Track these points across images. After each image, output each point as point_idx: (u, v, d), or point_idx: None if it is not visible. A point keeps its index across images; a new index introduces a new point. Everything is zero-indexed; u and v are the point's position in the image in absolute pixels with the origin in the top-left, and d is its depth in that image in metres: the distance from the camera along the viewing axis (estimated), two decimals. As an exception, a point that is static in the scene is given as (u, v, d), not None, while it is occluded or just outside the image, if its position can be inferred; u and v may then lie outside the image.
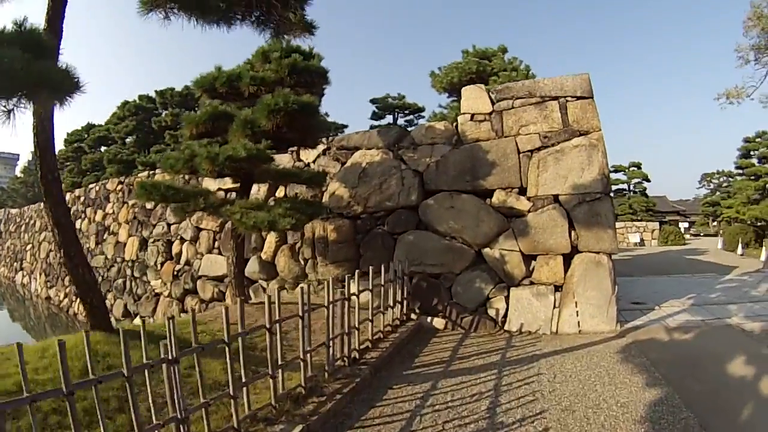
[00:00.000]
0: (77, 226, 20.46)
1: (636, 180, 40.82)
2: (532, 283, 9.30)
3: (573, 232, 9.11)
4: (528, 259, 9.39)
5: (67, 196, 22.58)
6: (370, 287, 8.62)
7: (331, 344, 6.72)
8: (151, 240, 14.53)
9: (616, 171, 42.08)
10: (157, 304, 13.86)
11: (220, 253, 12.54)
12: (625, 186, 42.41)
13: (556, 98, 9.59)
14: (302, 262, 11.01)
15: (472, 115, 10.07)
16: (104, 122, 29.24)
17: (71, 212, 21.96)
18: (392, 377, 7.26)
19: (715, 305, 10.74)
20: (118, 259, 16.18)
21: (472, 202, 9.70)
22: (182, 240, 13.54)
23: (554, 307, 9.06)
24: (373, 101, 21.56)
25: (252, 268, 11.80)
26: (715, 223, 46.11)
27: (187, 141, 11.05)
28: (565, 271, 9.06)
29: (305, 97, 9.07)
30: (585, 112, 9.43)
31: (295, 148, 11.64)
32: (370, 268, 8.73)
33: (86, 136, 28.21)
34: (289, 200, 9.61)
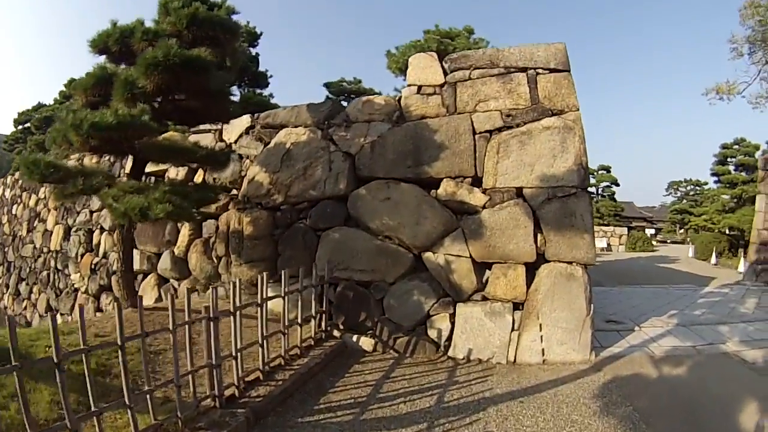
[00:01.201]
0: (13, 211, 17.53)
1: (605, 184, 37.62)
2: (485, 298, 6.58)
3: (540, 236, 6.43)
4: (481, 267, 6.67)
5: (8, 180, 19.57)
6: (283, 294, 5.99)
7: (208, 373, 4.21)
8: (74, 229, 11.70)
9: None
10: (75, 301, 11.09)
11: (136, 246, 9.73)
12: (593, 189, 38.70)
13: (524, 70, 6.91)
14: (215, 260, 8.26)
15: (419, 88, 7.32)
16: (52, 101, 25.41)
17: (10, 197, 19.19)
18: (278, 428, 4.60)
19: (703, 326, 8.16)
20: (45, 249, 13.30)
21: (412, 193, 6.95)
22: (102, 229, 10.75)
23: (512, 329, 6.37)
24: (326, 85, 18.51)
25: (164, 264, 9.01)
26: (682, 231, 43.60)
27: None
28: (528, 285, 6.37)
29: (196, 51, 6.33)
30: (559, 88, 6.77)
31: (217, 126, 8.89)
32: (284, 272, 6.05)
33: (34, 116, 24.71)
34: (171, 183, 6.92)
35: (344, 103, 7.82)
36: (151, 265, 9.26)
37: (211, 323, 4.72)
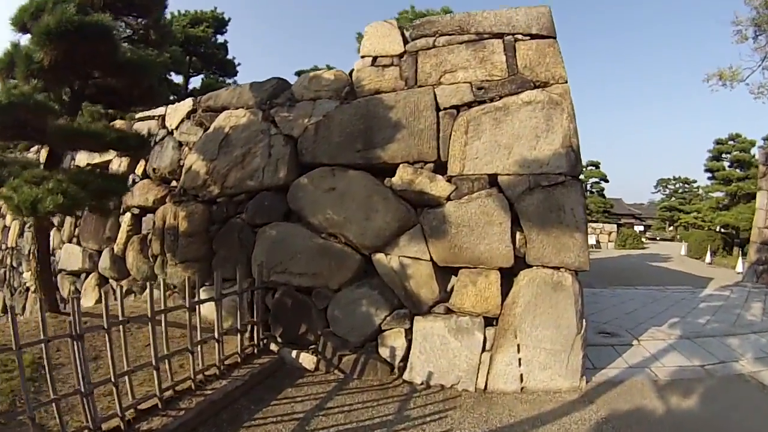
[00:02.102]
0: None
1: (594, 180, 34.66)
2: (449, 311, 4.92)
3: (519, 235, 4.75)
4: (444, 273, 5.02)
5: None
6: (216, 300, 4.56)
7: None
8: (28, 225, 10.23)
9: None
10: (26, 301, 9.60)
11: (78, 243, 8.23)
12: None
13: (500, 36, 5.24)
14: (151, 259, 6.72)
15: (375, 59, 5.63)
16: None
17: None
18: None
19: (710, 338, 6.51)
20: (3, 246, 11.82)
21: (362, 182, 5.29)
22: (51, 225, 9.25)
23: (483, 350, 4.71)
24: (298, 74, 16.55)
25: (104, 263, 7.42)
26: (671, 228, 41.00)
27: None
28: (504, 296, 4.71)
29: (97, 16, 4.77)
30: (543, 56, 5.12)
31: (159, 112, 7.32)
32: (217, 273, 4.61)
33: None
34: (70, 172, 5.37)
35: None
36: (93, 263, 7.70)
37: (76, 342, 3.29)
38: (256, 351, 5.35)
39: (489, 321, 4.80)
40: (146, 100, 6.15)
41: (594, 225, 27.27)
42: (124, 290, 6.94)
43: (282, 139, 5.79)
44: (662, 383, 4.86)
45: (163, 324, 4.16)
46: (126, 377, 3.74)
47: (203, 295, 5.01)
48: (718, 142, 23.24)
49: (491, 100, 5.02)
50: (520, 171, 4.77)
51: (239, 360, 5.03)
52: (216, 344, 4.68)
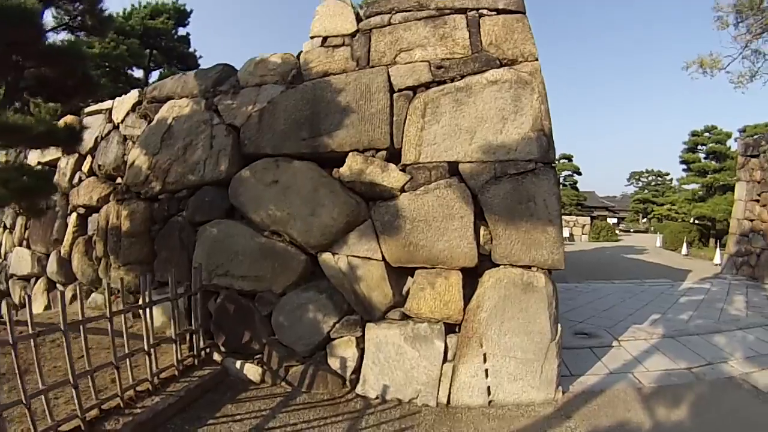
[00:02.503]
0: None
1: (566, 172, 32.52)
2: (405, 317, 4.13)
3: (483, 230, 3.97)
4: (399, 275, 4.24)
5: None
6: (144, 307, 3.83)
7: None
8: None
9: None
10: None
11: (28, 246, 7.38)
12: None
13: (462, 11, 4.42)
14: (95, 262, 5.87)
15: (325, 39, 4.79)
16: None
17: None
18: None
19: (695, 336, 5.80)
20: None
21: (307, 174, 4.47)
22: (4, 227, 8.37)
23: (445, 360, 3.94)
24: None
25: (51, 266, 6.55)
26: (645, 220, 39.85)
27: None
28: (467, 300, 3.93)
29: None
30: (510, 32, 4.35)
31: (107, 105, 6.47)
32: (147, 277, 3.89)
33: None
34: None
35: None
36: (42, 267, 6.85)
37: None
38: (196, 362, 4.53)
39: (451, 328, 4.02)
40: (83, 91, 5.28)
41: (567, 218, 26.19)
42: (69, 295, 6.21)
43: (224, 129, 4.93)
44: (647, 391, 4.13)
45: (82, 335, 3.40)
46: (42, 396, 2.98)
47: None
48: (694, 133, 22.08)
49: (452, 80, 4.23)
50: (484, 158, 4.00)
51: (177, 372, 4.24)
52: (146, 357, 3.89)
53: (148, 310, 3.89)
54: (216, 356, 4.66)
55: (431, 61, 4.30)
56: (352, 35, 4.65)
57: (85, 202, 6.03)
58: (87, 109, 6.67)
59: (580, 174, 32.85)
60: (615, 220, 37.81)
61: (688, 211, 20.54)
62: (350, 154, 4.34)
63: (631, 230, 38.45)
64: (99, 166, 5.99)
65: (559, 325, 3.95)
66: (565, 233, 24.33)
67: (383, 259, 4.15)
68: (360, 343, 4.19)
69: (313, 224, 4.35)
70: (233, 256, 4.61)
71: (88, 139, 6.06)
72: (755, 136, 10.28)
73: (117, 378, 3.56)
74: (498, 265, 3.93)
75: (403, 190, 4.14)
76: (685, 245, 16.76)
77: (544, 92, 4.11)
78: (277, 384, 4.36)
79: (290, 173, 4.50)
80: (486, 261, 3.97)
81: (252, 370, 4.43)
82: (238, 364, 4.49)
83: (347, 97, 4.41)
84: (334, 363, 4.24)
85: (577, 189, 32.83)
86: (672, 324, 6.08)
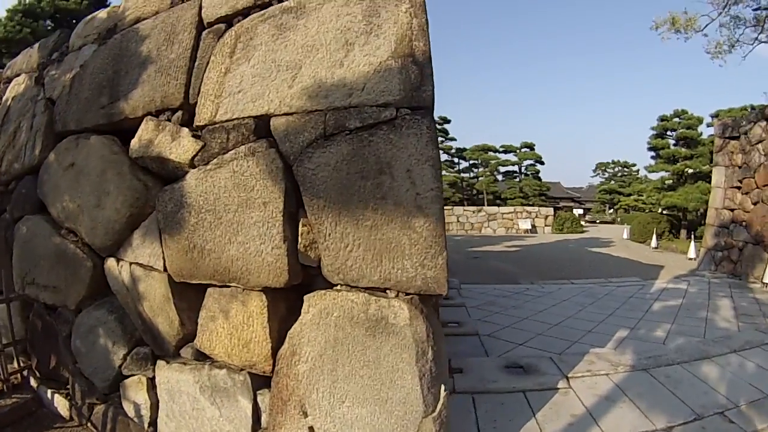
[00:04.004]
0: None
1: (528, 162, 27.09)
2: (201, 356, 2.09)
3: (303, 224, 1.87)
4: (197, 292, 2.13)
5: None
6: None
7: None
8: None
9: (506, 152, 27.10)
10: None
11: None
12: (515, 168, 27.42)
13: None
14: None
15: None
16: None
17: None
18: None
19: (675, 365, 3.40)
20: None
21: (99, 151, 2.49)
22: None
23: (258, 426, 2.03)
24: None
25: None
26: (611, 211, 34.75)
27: None
28: (278, 339, 1.88)
29: None
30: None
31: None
32: None
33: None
34: None
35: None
36: None
37: None
38: (5, 388, 2.76)
39: (258, 380, 1.98)
40: None
41: (529, 209, 22.03)
42: None
43: (43, 104, 3.06)
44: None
45: None
46: None
47: None
48: (662, 118, 17.27)
49: (280, 0, 2.26)
50: (309, 105, 1.93)
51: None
52: None
53: None
54: (33, 382, 2.78)
55: (252, -26, 2.29)
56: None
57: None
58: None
59: (542, 163, 27.46)
60: (581, 211, 32.72)
61: (657, 200, 16.66)
62: (144, 119, 2.35)
63: (597, 221, 33.33)
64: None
65: (442, 387, 1.88)
66: (527, 225, 20.46)
67: (164, 268, 2.16)
68: (152, 386, 2.23)
69: (98, 219, 2.40)
70: (37, 261, 2.75)
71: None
72: (734, 118, 7.85)
73: None
74: (335, 286, 1.88)
75: (192, 164, 2.12)
76: (654, 237, 13.56)
77: (423, 3, 2.05)
78: (84, 425, 2.50)
79: (85, 152, 2.56)
80: (311, 277, 1.91)
81: (61, 404, 2.66)
82: (49, 393, 2.70)
83: (150, 45, 2.43)
84: (129, 408, 2.32)
85: (540, 179, 27.50)
86: (644, 347, 3.83)
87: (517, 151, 27.33)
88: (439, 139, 26.28)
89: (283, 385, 1.88)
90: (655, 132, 17.79)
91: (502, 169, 27.92)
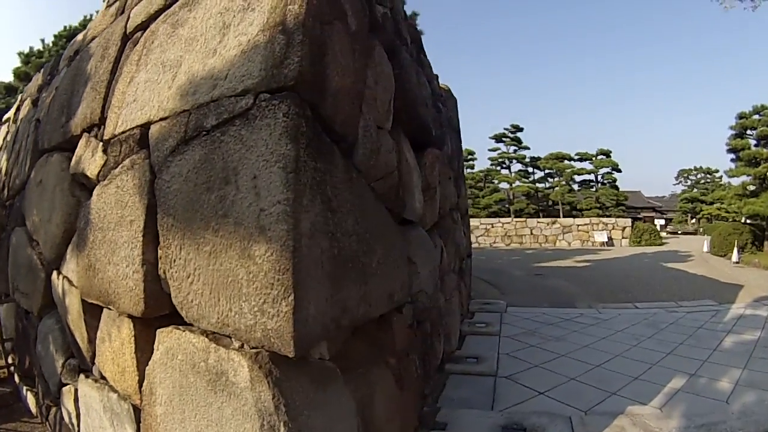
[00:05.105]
0: None
1: (605, 170, 22.12)
2: (102, 376, 1.71)
3: (161, 245, 1.41)
4: (96, 310, 1.75)
5: None
6: None
7: None
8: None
9: (581, 159, 22.66)
10: None
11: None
12: (591, 177, 22.70)
13: None
14: None
15: None
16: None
17: None
18: None
19: None
20: None
21: (56, 168, 2.32)
22: None
23: None
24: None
25: None
26: (693, 221, 27.79)
27: None
28: (142, 373, 1.43)
29: None
30: None
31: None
32: None
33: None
34: None
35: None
36: None
37: None
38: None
39: (135, 411, 1.51)
40: None
41: (605, 220, 18.05)
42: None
43: (34, 125, 3.06)
44: None
45: None
46: None
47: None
48: (741, 116, 12.82)
49: (185, -4, 1.80)
50: (179, 106, 1.43)
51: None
52: None
53: None
54: (17, 378, 2.84)
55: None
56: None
57: None
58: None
59: (619, 171, 22.09)
60: (662, 222, 26.54)
61: (738, 208, 12.29)
62: (82, 135, 2.13)
63: (679, 232, 26.56)
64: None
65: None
66: (604, 237, 16.98)
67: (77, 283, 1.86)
68: (76, 397, 1.96)
69: (48, 233, 2.27)
70: (19, 269, 2.77)
71: None
72: None
73: None
74: (186, 324, 1.34)
75: (98, 180, 1.80)
76: (735, 251, 9.85)
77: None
78: (43, 423, 2.43)
79: (47, 170, 2.48)
80: (168, 307, 1.40)
81: (32, 401, 2.62)
82: (24, 390, 2.69)
83: (93, 62, 2.23)
84: (65, 415, 2.09)
85: (616, 188, 22.30)
86: (700, 405, 2.44)
87: (593, 158, 22.55)
88: (512, 148, 22.82)
89: (148, 425, 1.40)
90: (734, 132, 13.05)
91: (578, 178, 23.02)
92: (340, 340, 1.43)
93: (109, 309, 1.61)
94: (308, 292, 1.10)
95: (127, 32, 2.02)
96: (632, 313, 4.89)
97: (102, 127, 1.93)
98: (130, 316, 1.47)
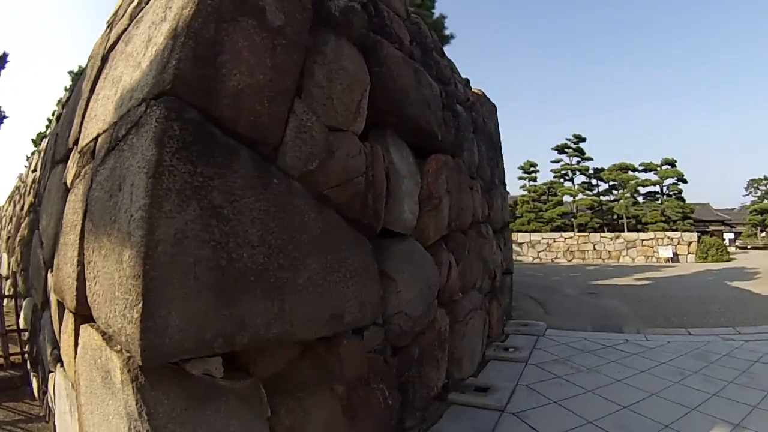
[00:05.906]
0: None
1: (670, 180, 19.51)
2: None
3: (84, 246, 1.42)
4: (63, 307, 1.87)
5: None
6: None
7: None
8: None
9: (646, 170, 20.29)
10: None
11: None
12: (656, 188, 20.08)
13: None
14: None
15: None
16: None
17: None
18: None
19: None
20: None
21: (57, 177, 2.54)
22: None
23: None
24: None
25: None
26: (763, 234, 23.43)
27: None
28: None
29: None
30: None
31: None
32: None
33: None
34: None
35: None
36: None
37: None
38: (5, 363, 3.30)
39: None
40: None
41: (671, 234, 15.71)
42: None
43: (54, 138, 3.47)
44: None
45: None
46: None
47: None
48: None
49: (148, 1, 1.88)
50: (112, 119, 1.50)
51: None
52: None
53: None
54: (29, 365, 3.29)
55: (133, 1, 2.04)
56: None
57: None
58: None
59: (685, 182, 19.36)
60: (732, 236, 21.98)
61: None
62: (73, 149, 2.34)
63: (749, 247, 22.12)
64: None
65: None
66: (669, 253, 14.73)
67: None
68: (55, 383, 2.17)
69: (47, 235, 2.47)
70: (35, 267, 3.13)
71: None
72: None
73: None
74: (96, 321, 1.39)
75: (71, 187, 1.98)
76: None
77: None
78: (41, 405, 2.76)
79: (52, 179, 2.56)
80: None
81: (36, 386, 2.92)
82: (32, 375, 3.06)
83: (84, 79, 2.40)
84: (49, 399, 2.34)
85: (683, 199, 19.43)
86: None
87: (657, 168, 20.01)
88: (575, 159, 21.12)
89: (79, 413, 1.49)
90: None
91: (642, 190, 20.63)
92: (270, 360, 1.35)
93: (61, 303, 1.77)
94: (169, 301, 1.07)
95: (105, 52, 2.19)
96: (683, 341, 4.06)
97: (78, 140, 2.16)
98: (73, 312, 1.60)
